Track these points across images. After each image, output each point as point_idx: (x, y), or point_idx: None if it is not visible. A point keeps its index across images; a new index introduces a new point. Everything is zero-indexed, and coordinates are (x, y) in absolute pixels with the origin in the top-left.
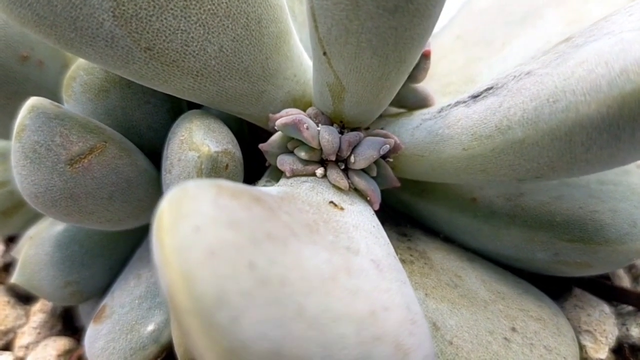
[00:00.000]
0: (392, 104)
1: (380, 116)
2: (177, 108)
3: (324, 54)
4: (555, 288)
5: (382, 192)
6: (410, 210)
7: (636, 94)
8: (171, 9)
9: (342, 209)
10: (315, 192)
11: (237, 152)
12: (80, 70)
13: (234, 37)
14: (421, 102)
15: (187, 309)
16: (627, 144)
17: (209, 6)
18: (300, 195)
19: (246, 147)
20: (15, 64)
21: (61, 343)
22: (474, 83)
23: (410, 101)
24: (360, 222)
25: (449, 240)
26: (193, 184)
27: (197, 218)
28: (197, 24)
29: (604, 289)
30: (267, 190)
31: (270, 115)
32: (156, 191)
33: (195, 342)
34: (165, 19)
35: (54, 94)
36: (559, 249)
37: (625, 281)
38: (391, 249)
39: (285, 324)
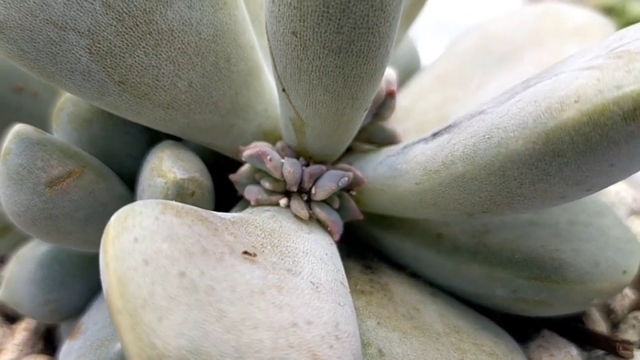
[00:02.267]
0: (362, 140)
1: (351, 152)
2: (154, 138)
3: (283, 90)
4: (528, 330)
5: (352, 226)
6: (379, 244)
7: (558, 131)
8: (143, 46)
9: (296, 235)
10: (274, 220)
11: (205, 181)
12: (67, 101)
13: (203, 74)
14: (389, 139)
15: (119, 308)
16: (557, 179)
17: (179, 45)
18: (256, 221)
19: (222, 178)
20: (11, 95)
21: None
22: (450, 120)
23: (378, 138)
24: (312, 249)
25: (415, 275)
26: (141, 202)
27: (137, 231)
28: (167, 61)
29: (572, 331)
30: (221, 214)
31: (241, 147)
32: None
33: (123, 339)
34: (138, 55)
35: (46, 123)
36: (517, 286)
37: (601, 326)
38: (340, 275)
39: (205, 327)
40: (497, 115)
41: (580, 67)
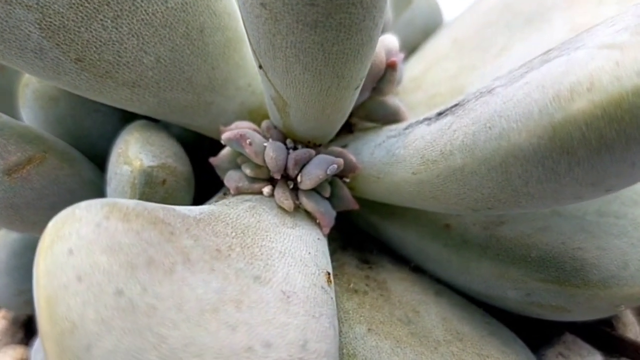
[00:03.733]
0: (361, 117)
1: (351, 130)
2: (129, 116)
3: (260, 67)
4: (548, 331)
5: (350, 213)
6: (380, 234)
7: (567, 124)
8: (100, 19)
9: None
10: (252, 213)
11: (180, 166)
12: (32, 77)
13: (172, 47)
14: (392, 117)
15: (46, 332)
16: (568, 179)
17: (142, 16)
18: (229, 216)
19: (206, 159)
20: None
21: (19, 352)
22: (462, 95)
23: (379, 115)
24: (292, 248)
25: (419, 269)
26: (85, 204)
27: (73, 241)
28: (130, 35)
29: (598, 336)
30: (188, 209)
31: (222, 127)
32: None
33: None
34: (95, 29)
35: (15, 98)
36: (531, 288)
37: (635, 330)
38: (321, 279)
39: (139, 356)
40: (502, 99)
41: (600, 44)
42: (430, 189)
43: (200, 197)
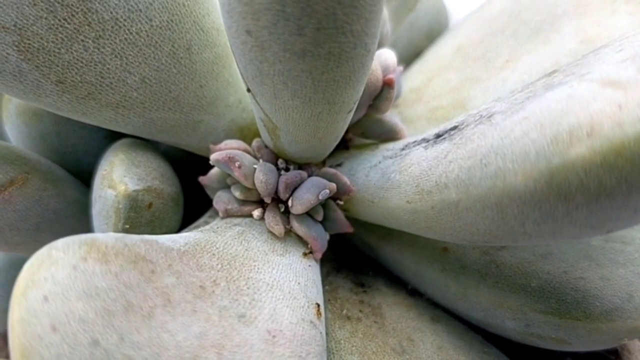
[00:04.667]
0: (357, 135)
1: (346, 147)
2: (115, 132)
3: (248, 90)
4: (549, 356)
5: (346, 233)
6: (376, 256)
7: (564, 170)
8: (81, 40)
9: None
10: (241, 240)
11: (167, 188)
12: None
13: (158, 67)
14: (388, 135)
15: None
16: (566, 222)
17: (125, 35)
18: (216, 245)
19: (195, 176)
20: None
21: None
22: (465, 110)
23: (375, 133)
24: (280, 279)
25: (416, 292)
26: (62, 243)
27: (49, 286)
28: (113, 55)
29: None
30: (173, 239)
31: (211, 146)
32: (90, 221)
33: None
34: (76, 51)
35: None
36: (530, 319)
37: (639, 358)
38: (310, 313)
39: None
40: (499, 133)
41: (604, 79)
42: (424, 219)
43: (190, 214)
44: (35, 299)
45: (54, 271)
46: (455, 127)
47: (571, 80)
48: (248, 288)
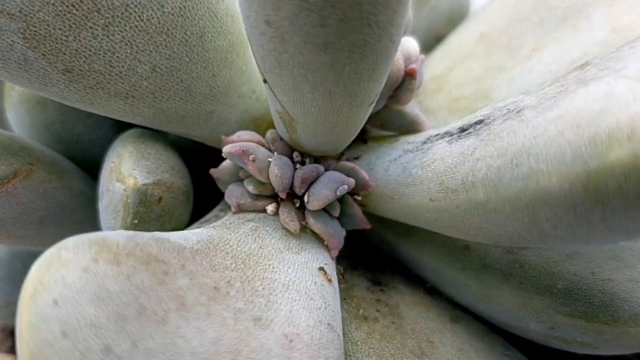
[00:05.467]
0: (376, 126)
1: (365, 140)
2: (122, 122)
3: (265, 81)
4: (579, 357)
5: (363, 229)
6: (394, 253)
7: (602, 174)
8: (90, 28)
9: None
10: (255, 237)
11: (178, 181)
12: None
13: (170, 56)
14: (409, 127)
15: None
16: (602, 227)
17: (136, 23)
18: (230, 243)
19: (206, 168)
20: None
21: None
22: (489, 101)
23: (396, 125)
24: (296, 279)
25: (435, 291)
26: (72, 243)
27: (59, 290)
28: (123, 43)
29: None
30: (185, 237)
31: (223, 137)
32: (97, 215)
33: None
34: (84, 38)
35: (2, 101)
36: (555, 323)
37: None
38: (329, 314)
39: None
40: (531, 132)
41: None
42: (449, 219)
43: (200, 207)
44: (45, 304)
45: (64, 274)
46: (481, 122)
47: (607, 76)
48: (264, 289)
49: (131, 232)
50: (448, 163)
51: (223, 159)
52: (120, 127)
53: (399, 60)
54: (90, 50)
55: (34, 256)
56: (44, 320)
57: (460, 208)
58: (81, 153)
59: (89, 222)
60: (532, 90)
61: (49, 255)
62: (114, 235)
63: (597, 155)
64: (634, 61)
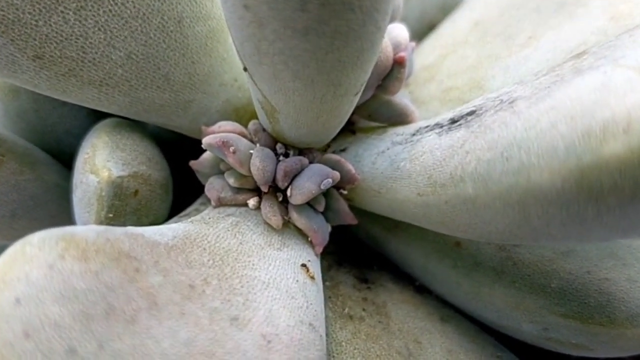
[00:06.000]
0: (363, 117)
1: (352, 130)
2: (98, 111)
3: (245, 69)
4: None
5: (350, 224)
6: (381, 249)
7: (597, 169)
8: (61, 12)
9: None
10: (235, 232)
11: (155, 173)
12: None
13: (146, 41)
14: (398, 118)
15: None
16: (595, 224)
17: (110, 7)
18: (207, 239)
19: (186, 160)
20: None
21: None
22: (482, 91)
23: (384, 116)
24: (276, 276)
25: (425, 290)
26: (38, 238)
27: (21, 287)
28: (96, 28)
29: None
30: (161, 233)
31: (203, 128)
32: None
33: None
34: (55, 23)
35: None
36: (549, 323)
37: None
38: (310, 313)
39: None
40: (523, 123)
41: None
42: (437, 214)
43: (181, 200)
44: (7, 302)
45: (27, 270)
46: (472, 112)
47: (604, 65)
48: (242, 287)
49: (102, 227)
50: (437, 156)
51: (203, 150)
52: (97, 117)
53: (387, 48)
54: (62, 36)
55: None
56: (5, 320)
57: (448, 203)
58: (55, 143)
59: (64, 215)
60: (526, 80)
61: (13, 251)
62: (83, 230)
63: (591, 149)
64: (633, 50)
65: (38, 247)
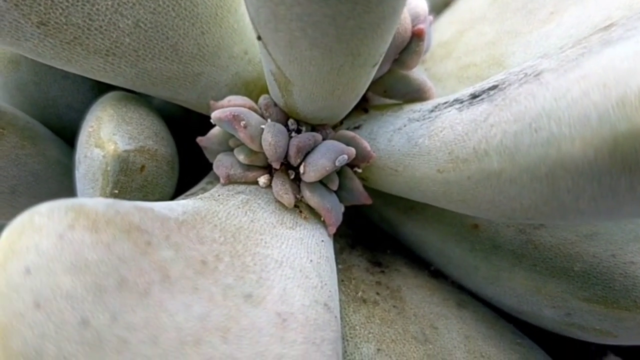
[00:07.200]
0: (378, 93)
1: (365, 108)
2: (102, 84)
3: (259, 37)
4: (590, 351)
5: (362, 205)
6: (395, 231)
7: (632, 138)
8: None
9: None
10: (245, 210)
11: (162, 148)
12: None
13: (154, 9)
14: (415, 94)
15: None
16: (627, 198)
17: None
18: (218, 215)
19: (193, 136)
20: None
21: None
22: (502, 68)
23: (400, 92)
24: (290, 255)
25: (440, 274)
26: (46, 208)
27: (32, 257)
28: None
29: None
30: (170, 208)
31: (212, 102)
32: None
33: None
34: None
35: None
36: (572, 308)
37: None
38: (325, 294)
39: None
40: (552, 94)
41: None
42: (458, 191)
43: (186, 179)
44: (16, 271)
45: (37, 240)
46: (495, 87)
47: (635, 35)
48: (255, 265)
49: (111, 200)
50: (458, 131)
51: (211, 126)
52: (100, 90)
53: (405, 19)
54: (67, 1)
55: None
56: (14, 290)
57: (471, 179)
58: (56, 117)
59: (65, 192)
60: (551, 53)
61: (21, 221)
62: (91, 201)
63: (626, 117)
64: None
65: (47, 217)
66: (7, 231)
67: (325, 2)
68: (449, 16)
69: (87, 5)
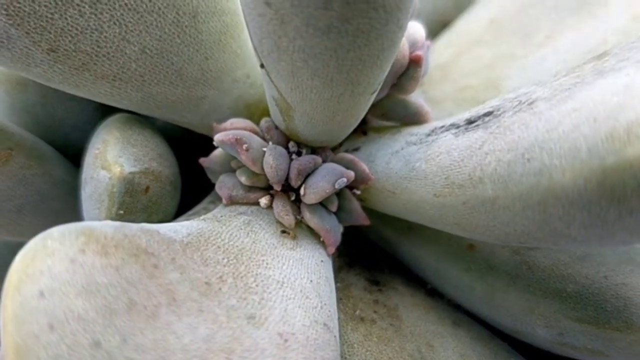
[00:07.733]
0: (376, 116)
1: (364, 131)
2: (107, 106)
3: (262, 66)
4: None
5: (362, 225)
6: (393, 251)
7: (620, 170)
8: (77, 5)
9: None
10: (247, 230)
11: (165, 170)
12: None
13: (160, 36)
14: (412, 118)
15: None
16: (617, 227)
17: (125, 1)
18: (221, 237)
19: (195, 156)
20: None
21: None
22: (498, 91)
23: (398, 115)
24: (291, 276)
25: (437, 293)
26: (58, 232)
27: (45, 281)
28: (111, 22)
29: None
30: (175, 230)
31: (215, 125)
32: (78, 204)
33: None
34: (71, 17)
35: None
36: (564, 328)
37: None
38: (325, 314)
39: None
40: (544, 125)
41: None
42: (454, 215)
43: (187, 197)
44: (31, 295)
45: (50, 264)
46: (490, 113)
47: (626, 67)
48: (257, 285)
49: (118, 223)
50: (454, 156)
51: (212, 148)
52: (104, 112)
53: (403, 46)
54: (77, 29)
55: (11, 248)
56: (29, 312)
57: (466, 204)
58: (62, 138)
59: (69, 211)
60: (545, 81)
61: (34, 244)
62: (100, 225)
63: (615, 150)
64: None
65: (59, 241)
66: (20, 255)
67: (326, 36)
68: (446, 39)
69: (95, 32)
